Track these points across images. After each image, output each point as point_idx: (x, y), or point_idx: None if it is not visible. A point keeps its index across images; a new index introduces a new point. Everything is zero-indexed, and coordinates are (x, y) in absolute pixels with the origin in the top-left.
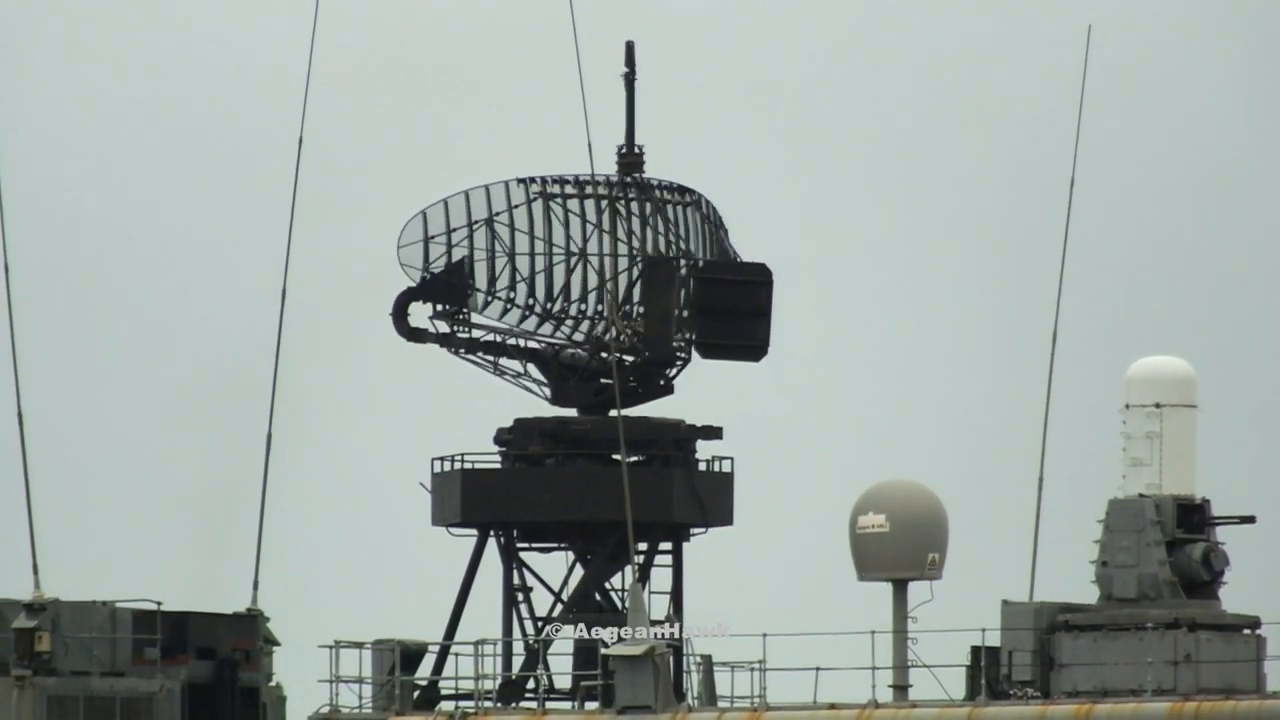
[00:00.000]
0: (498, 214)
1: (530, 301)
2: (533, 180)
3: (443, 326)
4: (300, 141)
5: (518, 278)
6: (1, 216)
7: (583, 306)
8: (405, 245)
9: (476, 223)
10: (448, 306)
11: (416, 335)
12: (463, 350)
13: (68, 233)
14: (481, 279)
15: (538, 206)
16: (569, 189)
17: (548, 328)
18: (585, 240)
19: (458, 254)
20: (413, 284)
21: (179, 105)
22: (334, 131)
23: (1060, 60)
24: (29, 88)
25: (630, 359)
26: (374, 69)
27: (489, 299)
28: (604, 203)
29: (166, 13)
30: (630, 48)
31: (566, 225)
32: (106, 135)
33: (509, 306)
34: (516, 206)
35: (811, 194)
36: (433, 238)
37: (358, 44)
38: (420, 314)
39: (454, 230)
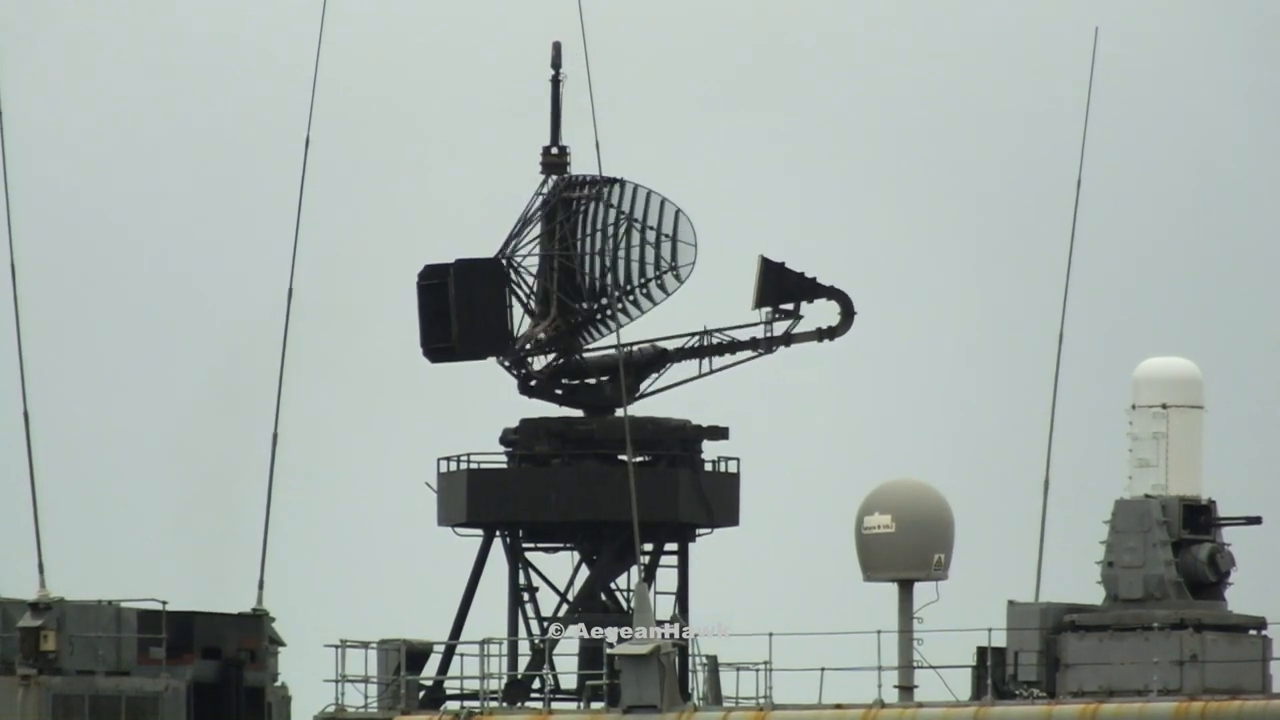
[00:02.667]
0: None
1: None
2: None
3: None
4: (307, 141)
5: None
6: (8, 215)
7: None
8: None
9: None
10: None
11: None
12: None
13: (73, 231)
14: None
15: None
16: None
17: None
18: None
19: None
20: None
21: (185, 104)
22: (340, 131)
23: (1067, 61)
24: (35, 87)
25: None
26: (378, 69)
27: None
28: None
29: (171, 12)
30: (557, 48)
31: None
32: (112, 134)
33: None
34: None
35: (816, 194)
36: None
37: (362, 43)
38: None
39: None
